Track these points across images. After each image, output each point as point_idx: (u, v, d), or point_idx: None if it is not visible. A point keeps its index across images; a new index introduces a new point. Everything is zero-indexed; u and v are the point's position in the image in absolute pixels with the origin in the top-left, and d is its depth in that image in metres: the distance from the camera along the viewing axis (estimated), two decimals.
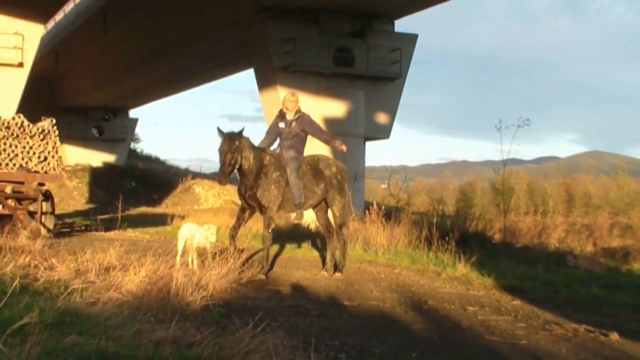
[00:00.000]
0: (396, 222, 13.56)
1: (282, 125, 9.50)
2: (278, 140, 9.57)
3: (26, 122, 14.58)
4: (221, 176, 8.76)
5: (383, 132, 28.01)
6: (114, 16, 32.45)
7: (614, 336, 6.02)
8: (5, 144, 14.20)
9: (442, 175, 77.75)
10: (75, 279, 6.78)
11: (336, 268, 9.62)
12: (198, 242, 8.96)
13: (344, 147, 9.65)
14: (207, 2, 27.31)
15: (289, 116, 9.51)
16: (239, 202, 9.75)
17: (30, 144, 14.51)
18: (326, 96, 26.06)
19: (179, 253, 8.98)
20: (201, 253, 8.95)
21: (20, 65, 22.53)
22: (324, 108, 25.93)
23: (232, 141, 8.70)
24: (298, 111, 9.53)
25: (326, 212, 10.06)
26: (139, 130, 61.24)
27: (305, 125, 9.54)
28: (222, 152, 8.69)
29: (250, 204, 9.28)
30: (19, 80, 22.58)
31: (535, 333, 6.18)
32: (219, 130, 8.84)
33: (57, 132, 15.04)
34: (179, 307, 5.77)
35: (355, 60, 26.76)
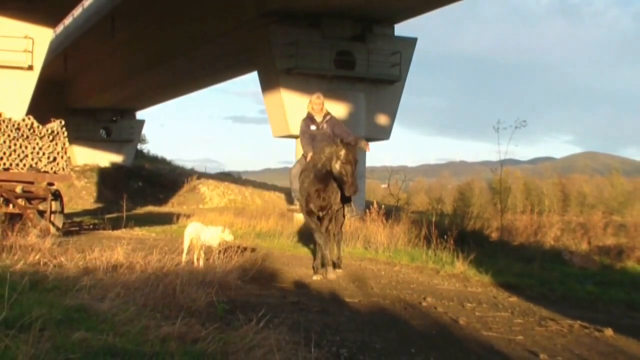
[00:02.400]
0: (396, 221, 13.55)
1: (313, 127, 9.41)
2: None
3: (36, 124, 14.62)
4: (356, 183, 8.72)
5: (383, 133, 27.98)
6: (122, 21, 32.45)
7: (608, 332, 6.01)
8: (15, 144, 14.23)
9: (440, 175, 77.78)
10: (84, 276, 6.78)
11: (335, 265, 9.61)
12: (203, 241, 8.98)
13: (368, 147, 9.59)
14: (212, 7, 27.31)
15: (318, 118, 9.47)
16: (305, 210, 9.33)
17: (40, 144, 14.54)
18: (328, 98, 25.67)
19: (185, 251, 8.99)
20: (206, 251, 8.96)
21: (30, 68, 22.54)
22: None
23: (354, 149, 8.72)
24: (326, 113, 9.53)
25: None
26: (145, 131, 61.33)
27: (334, 127, 9.51)
28: (354, 162, 8.64)
29: (323, 207, 9.18)
30: (28, 82, 22.59)
31: (532, 329, 6.17)
32: (340, 141, 8.70)
33: (66, 133, 15.07)
34: (184, 304, 5.77)
35: (356, 63, 26.73)
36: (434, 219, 13.31)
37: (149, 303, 5.68)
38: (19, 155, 14.26)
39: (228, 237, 9.05)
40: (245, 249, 10.38)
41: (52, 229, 13.76)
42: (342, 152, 8.55)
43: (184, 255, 8.89)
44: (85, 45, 38.01)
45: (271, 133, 27.14)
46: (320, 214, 9.19)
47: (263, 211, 23.77)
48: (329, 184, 8.97)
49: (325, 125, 9.44)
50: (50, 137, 14.71)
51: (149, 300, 5.78)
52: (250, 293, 7.26)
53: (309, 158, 9.17)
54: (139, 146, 60.72)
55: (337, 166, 8.60)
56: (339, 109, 26.09)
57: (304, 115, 9.66)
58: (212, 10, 27.63)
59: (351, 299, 7.42)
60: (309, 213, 9.20)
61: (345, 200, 9.26)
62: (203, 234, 9.02)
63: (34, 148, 14.45)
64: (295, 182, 9.39)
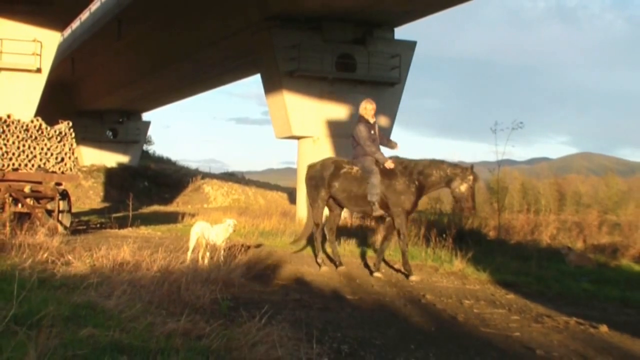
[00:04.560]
0: None
1: (372, 132, 9.54)
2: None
3: (44, 125, 14.61)
4: (476, 207, 9.35)
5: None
6: (128, 24, 32.47)
7: (603, 328, 6.02)
8: (24, 145, 14.24)
9: None
10: (91, 274, 6.79)
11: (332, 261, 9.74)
12: (209, 239, 8.99)
13: (397, 146, 9.84)
14: (216, 11, 27.32)
15: (371, 122, 9.62)
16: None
17: (48, 145, 14.54)
18: (329, 100, 26.04)
19: (190, 249, 8.99)
20: (211, 249, 8.97)
21: (39, 70, 22.56)
22: (327, 111, 25.93)
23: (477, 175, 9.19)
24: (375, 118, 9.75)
25: (340, 213, 10.23)
26: (151, 132, 61.04)
27: (378, 130, 9.75)
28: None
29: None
30: (37, 85, 22.60)
31: (528, 325, 6.18)
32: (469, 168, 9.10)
33: (73, 135, 15.07)
34: (189, 301, 5.78)
35: (357, 65, 26.71)
36: (432, 218, 13.31)
37: (154, 300, 5.68)
38: (27, 156, 14.26)
39: (229, 229, 9.09)
40: (249, 247, 10.40)
41: (60, 228, 13.76)
42: (471, 177, 8.97)
43: (189, 253, 8.90)
44: (92, 48, 38.04)
45: (274, 134, 27.15)
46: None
47: (266, 210, 23.80)
48: None
49: (377, 130, 9.67)
50: (58, 138, 14.71)
51: (155, 297, 5.79)
52: (253, 290, 7.26)
53: (389, 164, 9.21)
54: (145, 147, 60.74)
55: (462, 188, 8.96)
56: (340, 111, 26.12)
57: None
58: (216, 14, 27.64)
59: (352, 296, 7.42)
60: (409, 213, 9.49)
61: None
62: (209, 232, 9.03)
63: (42, 149, 14.45)
64: (379, 186, 9.26)
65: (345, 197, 9.56)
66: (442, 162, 9.23)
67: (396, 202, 9.15)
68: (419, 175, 9.14)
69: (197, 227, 9.21)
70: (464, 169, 9.04)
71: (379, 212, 9.36)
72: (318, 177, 9.78)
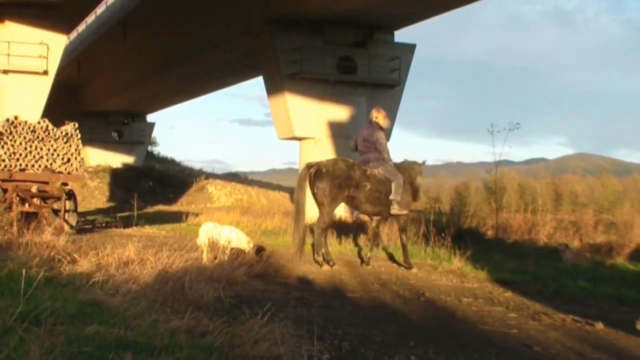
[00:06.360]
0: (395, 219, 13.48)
1: None
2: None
3: (51, 126, 14.62)
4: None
5: None
6: (133, 27, 32.51)
7: (599, 326, 6.01)
8: (31, 146, 14.25)
9: (438, 176, 77.33)
10: (96, 272, 6.78)
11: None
12: (216, 239, 9.01)
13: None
14: (219, 14, 27.34)
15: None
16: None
17: (55, 146, 14.55)
18: (330, 102, 26.05)
19: (205, 251, 8.97)
20: (214, 249, 8.97)
21: (45, 73, 22.61)
22: (328, 113, 25.93)
23: None
24: None
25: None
26: (155, 133, 60.55)
27: None
28: None
29: None
30: (43, 87, 22.66)
31: (526, 323, 6.17)
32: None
33: (79, 136, 15.08)
34: (193, 299, 5.78)
35: (358, 68, 26.73)
36: (431, 218, 13.29)
37: (159, 298, 5.68)
38: (34, 157, 14.27)
39: (243, 244, 9.11)
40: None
41: (66, 227, 13.76)
42: (422, 170, 10.33)
43: (204, 254, 8.82)
44: (98, 51, 38.09)
45: (276, 135, 27.16)
46: None
47: (268, 210, 23.77)
48: None
49: None
50: (65, 139, 14.72)
51: (159, 295, 5.78)
52: (256, 288, 7.26)
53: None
54: (150, 148, 60.78)
55: (420, 181, 10.24)
56: (341, 112, 26.13)
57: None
58: (219, 18, 27.65)
59: (353, 294, 7.42)
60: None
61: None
62: (216, 232, 9.07)
63: (48, 149, 14.46)
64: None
65: (376, 197, 9.66)
66: (414, 162, 10.38)
67: (407, 202, 9.91)
68: (408, 176, 10.05)
69: (204, 228, 9.26)
70: (420, 165, 10.34)
71: (404, 210, 9.83)
72: (344, 176, 9.39)
